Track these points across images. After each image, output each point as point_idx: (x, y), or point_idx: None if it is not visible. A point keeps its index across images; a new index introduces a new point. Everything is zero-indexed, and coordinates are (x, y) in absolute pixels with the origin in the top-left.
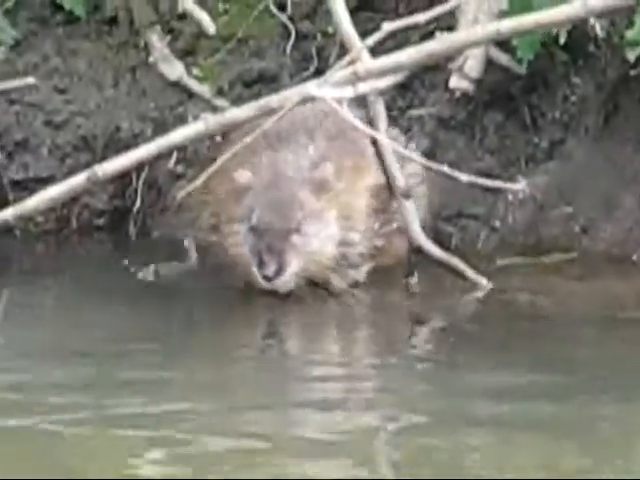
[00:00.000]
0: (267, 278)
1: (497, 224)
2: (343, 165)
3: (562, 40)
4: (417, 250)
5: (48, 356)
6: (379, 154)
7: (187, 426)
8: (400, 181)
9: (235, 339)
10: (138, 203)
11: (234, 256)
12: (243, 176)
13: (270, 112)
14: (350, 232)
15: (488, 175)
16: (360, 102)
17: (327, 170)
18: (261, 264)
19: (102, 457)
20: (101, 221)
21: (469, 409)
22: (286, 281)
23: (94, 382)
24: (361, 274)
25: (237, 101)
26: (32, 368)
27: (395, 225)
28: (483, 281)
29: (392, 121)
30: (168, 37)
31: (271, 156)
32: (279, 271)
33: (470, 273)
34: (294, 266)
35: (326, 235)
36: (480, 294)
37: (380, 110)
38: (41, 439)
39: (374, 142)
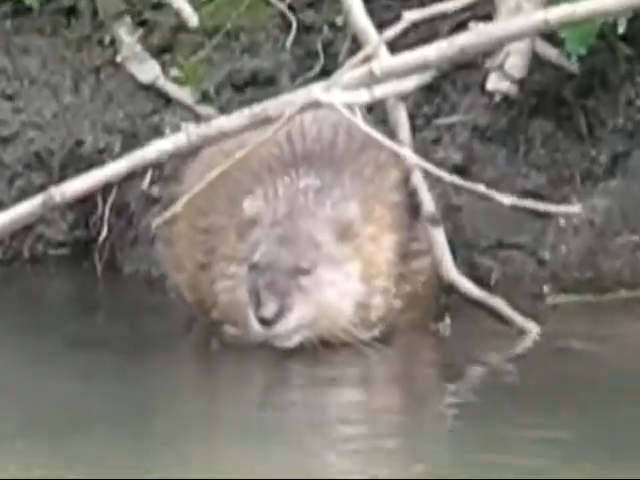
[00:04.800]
0: (264, 321)
1: (547, 255)
2: (372, 210)
3: (621, 29)
4: (449, 288)
5: None
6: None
7: None
8: (429, 205)
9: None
10: (104, 233)
11: (225, 304)
12: (252, 206)
13: (266, 122)
14: (373, 294)
15: (535, 196)
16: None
17: (351, 211)
18: (258, 304)
19: None
20: (60, 252)
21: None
22: (288, 329)
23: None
24: (374, 333)
25: (225, 108)
26: None
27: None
28: (530, 325)
29: (416, 131)
30: (140, 31)
31: (287, 185)
32: (279, 314)
33: (514, 315)
34: (299, 312)
35: (345, 289)
36: (527, 341)
37: (402, 118)
38: None
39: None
